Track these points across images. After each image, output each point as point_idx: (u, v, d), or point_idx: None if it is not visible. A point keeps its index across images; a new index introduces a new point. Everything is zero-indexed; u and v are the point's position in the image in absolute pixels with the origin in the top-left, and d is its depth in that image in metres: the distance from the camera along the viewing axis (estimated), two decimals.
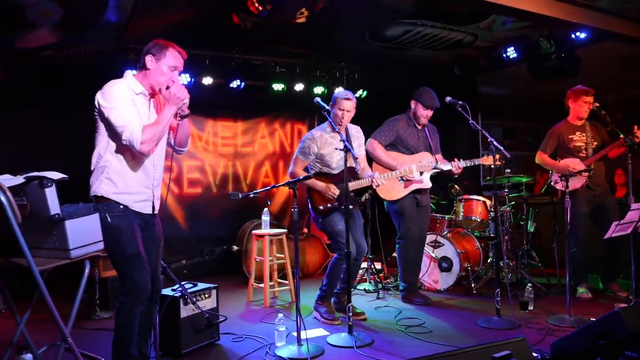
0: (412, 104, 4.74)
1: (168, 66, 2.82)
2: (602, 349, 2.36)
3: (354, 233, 4.20)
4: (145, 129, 2.67)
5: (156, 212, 2.96)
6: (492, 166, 4.27)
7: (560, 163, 4.84)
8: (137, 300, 2.76)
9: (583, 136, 4.84)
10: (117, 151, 2.76)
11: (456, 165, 4.49)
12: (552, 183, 4.91)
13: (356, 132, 4.40)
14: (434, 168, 4.46)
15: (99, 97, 2.71)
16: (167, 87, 2.77)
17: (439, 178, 4.93)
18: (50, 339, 3.23)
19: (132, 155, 2.78)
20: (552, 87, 6.27)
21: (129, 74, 2.87)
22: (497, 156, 4.25)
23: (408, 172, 4.43)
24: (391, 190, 4.71)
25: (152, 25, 4.95)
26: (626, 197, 4.58)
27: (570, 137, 4.85)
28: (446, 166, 4.57)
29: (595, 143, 4.82)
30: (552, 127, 4.99)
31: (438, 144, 4.93)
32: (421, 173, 4.64)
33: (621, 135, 4.52)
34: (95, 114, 2.75)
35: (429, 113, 4.69)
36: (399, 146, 4.77)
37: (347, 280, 3.78)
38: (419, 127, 4.80)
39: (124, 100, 2.69)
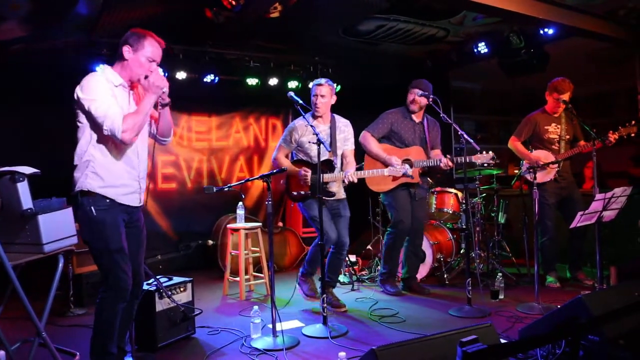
0: (409, 93, 4.76)
1: (146, 57, 2.80)
2: (566, 333, 2.46)
3: (337, 226, 4.28)
4: (126, 118, 2.67)
5: (142, 203, 2.96)
6: (486, 165, 4.31)
7: (532, 154, 4.93)
8: (119, 297, 2.75)
9: (557, 128, 4.90)
10: (99, 144, 2.74)
11: (445, 163, 4.52)
12: (522, 173, 5.01)
13: (344, 126, 4.41)
14: (404, 171, 4.34)
15: (78, 91, 2.69)
16: (146, 77, 2.76)
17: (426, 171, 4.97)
18: (23, 336, 3.21)
19: (115, 147, 2.77)
20: (523, 81, 6.42)
21: (107, 67, 2.85)
22: (489, 155, 4.29)
23: (377, 174, 4.39)
24: (379, 182, 4.77)
25: (124, 19, 4.90)
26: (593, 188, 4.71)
27: (545, 127, 4.91)
28: (430, 162, 4.62)
29: (568, 136, 4.89)
30: (528, 114, 5.04)
31: (438, 138, 4.95)
32: (411, 166, 4.65)
33: (595, 139, 4.48)
34: (76, 108, 2.73)
35: (420, 99, 4.68)
36: (394, 139, 4.80)
37: (322, 271, 3.83)
38: (416, 121, 4.83)
39: (103, 91, 2.68)
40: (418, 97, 4.69)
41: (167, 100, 2.86)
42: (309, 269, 4.45)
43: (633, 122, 4.58)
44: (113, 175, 2.77)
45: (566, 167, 4.94)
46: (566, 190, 4.91)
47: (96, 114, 2.64)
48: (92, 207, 2.70)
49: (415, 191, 4.81)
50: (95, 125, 2.69)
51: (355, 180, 4.15)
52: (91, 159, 2.73)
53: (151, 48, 2.82)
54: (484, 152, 4.28)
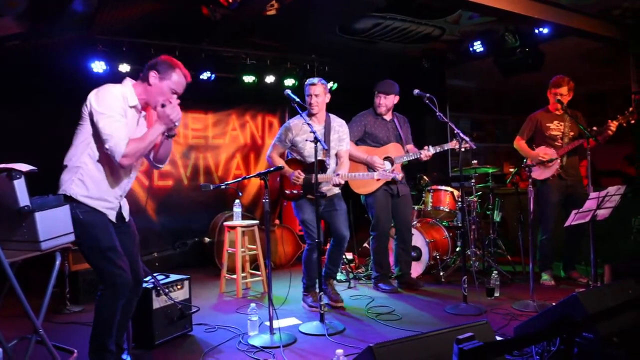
0: (375, 97, 4.86)
1: (170, 88, 2.80)
2: (561, 330, 2.48)
3: (334, 220, 4.30)
4: (130, 143, 2.66)
5: (126, 220, 2.96)
6: (462, 149, 4.32)
7: (533, 151, 4.95)
8: (118, 294, 2.75)
9: (560, 125, 4.90)
10: (95, 155, 2.73)
11: (425, 154, 4.62)
12: (518, 171, 5.03)
13: (339, 125, 4.39)
14: (395, 176, 4.36)
15: (93, 99, 2.67)
16: (163, 105, 2.74)
17: (409, 167, 5.02)
18: (19, 334, 3.20)
19: (110, 164, 2.75)
20: (519, 80, 6.44)
21: (128, 81, 2.83)
22: (466, 137, 4.30)
23: (367, 177, 4.43)
24: (363, 184, 4.79)
25: (121, 16, 4.89)
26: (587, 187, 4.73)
27: (547, 125, 4.92)
28: (409, 157, 4.69)
29: (572, 133, 4.87)
30: (531, 113, 5.07)
31: (409, 133, 5.04)
32: (392, 163, 4.73)
33: (592, 131, 4.54)
34: (84, 111, 2.71)
35: (385, 101, 4.79)
36: (369, 140, 4.85)
37: (318, 269, 3.84)
38: (387, 119, 4.89)
39: (116, 109, 2.66)
40: (384, 101, 4.80)
41: (175, 132, 2.87)
42: (308, 281, 4.41)
43: (631, 108, 4.55)
44: (98, 189, 2.75)
45: (572, 163, 4.91)
46: (571, 188, 4.87)
47: (103, 130, 2.62)
48: (77, 211, 2.69)
49: (397, 188, 4.84)
50: (98, 139, 2.68)
51: (342, 183, 4.16)
52: (82, 166, 2.72)
53: (178, 80, 2.82)
54: (457, 139, 4.27)
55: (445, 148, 4.62)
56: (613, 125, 4.55)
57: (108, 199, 2.81)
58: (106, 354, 2.78)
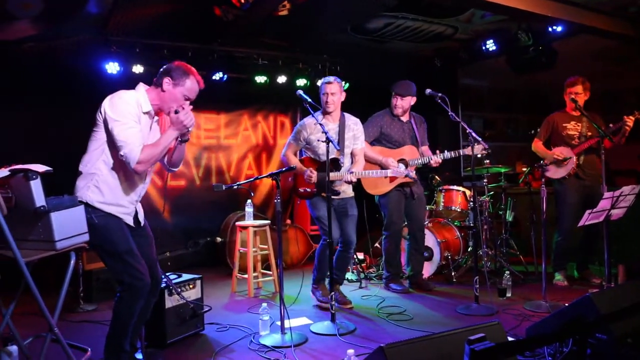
0: (393, 98, 4.83)
1: (183, 94, 2.81)
2: (573, 331, 2.46)
3: (343, 224, 4.30)
4: (144, 149, 2.68)
5: (142, 224, 2.99)
6: (479, 155, 4.32)
7: (550, 151, 4.92)
8: (137, 297, 2.77)
9: (578, 126, 4.87)
10: (110, 162, 2.75)
11: (435, 160, 4.60)
12: (530, 171, 5.00)
13: (354, 124, 4.39)
14: (408, 173, 4.37)
15: (107, 106, 2.69)
16: (176, 112, 2.76)
17: (422, 167, 5.00)
18: (34, 332, 3.25)
19: (125, 170, 2.78)
20: (531, 79, 6.40)
21: (142, 87, 2.85)
22: (480, 146, 4.29)
23: (380, 175, 4.47)
24: (376, 185, 4.79)
25: (134, 17, 4.94)
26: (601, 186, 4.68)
27: (564, 125, 4.89)
28: (424, 160, 4.66)
29: (590, 133, 4.82)
30: (544, 113, 5.04)
31: (425, 134, 5.01)
32: (406, 166, 4.71)
33: (603, 129, 4.52)
34: (98, 118, 2.73)
35: (402, 102, 4.75)
36: (384, 141, 4.83)
37: (330, 268, 3.85)
38: (404, 120, 4.87)
39: (130, 116, 2.68)
40: (400, 102, 4.75)
41: (188, 137, 2.90)
42: (319, 274, 4.45)
43: None
44: (114, 195, 2.78)
45: (590, 162, 4.84)
46: (589, 189, 4.80)
47: (118, 137, 2.65)
48: (93, 216, 2.72)
49: (411, 190, 4.84)
50: (113, 145, 2.70)
51: (354, 180, 4.16)
52: (97, 173, 2.75)
53: (191, 86, 2.84)
54: (475, 145, 4.25)
55: (461, 154, 4.58)
56: (630, 120, 4.52)
57: (124, 204, 2.84)
58: (122, 354, 2.81)
